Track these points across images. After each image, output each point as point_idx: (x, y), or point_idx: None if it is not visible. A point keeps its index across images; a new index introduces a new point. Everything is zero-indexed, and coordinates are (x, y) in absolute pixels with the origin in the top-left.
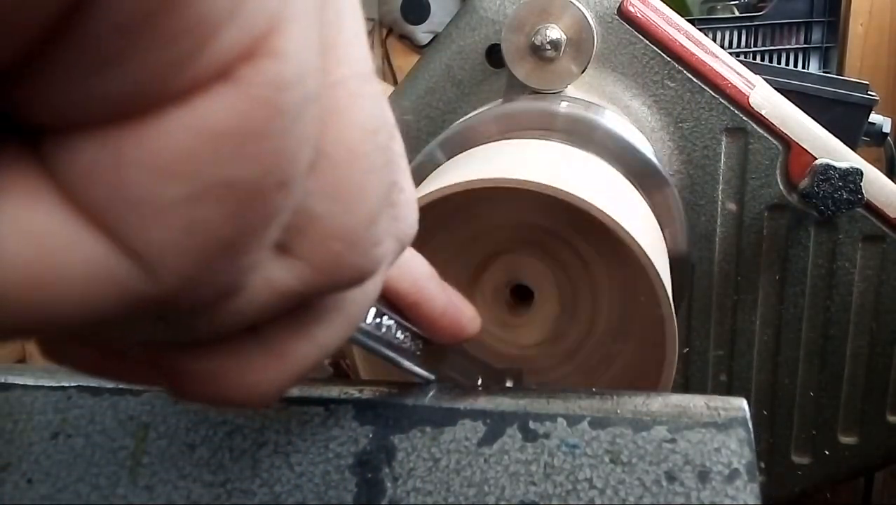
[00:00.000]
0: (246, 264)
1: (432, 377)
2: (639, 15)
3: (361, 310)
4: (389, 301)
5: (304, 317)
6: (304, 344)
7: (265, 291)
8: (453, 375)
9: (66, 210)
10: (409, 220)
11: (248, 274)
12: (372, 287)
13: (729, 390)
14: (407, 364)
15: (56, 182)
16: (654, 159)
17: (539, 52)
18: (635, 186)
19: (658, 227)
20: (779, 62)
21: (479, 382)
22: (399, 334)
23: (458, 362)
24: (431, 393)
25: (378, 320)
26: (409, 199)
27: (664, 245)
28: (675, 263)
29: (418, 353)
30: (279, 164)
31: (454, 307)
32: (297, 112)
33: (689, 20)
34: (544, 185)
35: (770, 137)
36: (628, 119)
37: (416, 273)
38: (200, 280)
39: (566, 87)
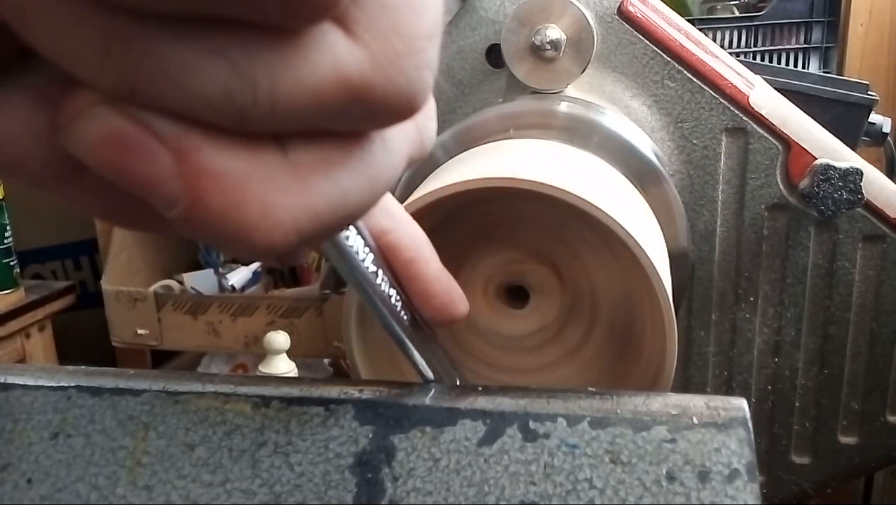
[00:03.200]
0: None
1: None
2: (639, 15)
3: (383, 177)
4: (387, 255)
5: (332, 152)
6: (327, 182)
7: (328, 64)
8: (436, 368)
9: None
10: (432, 124)
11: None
12: (395, 159)
13: (729, 390)
14: (396, 327)
15: None
16: (654, 159)
17: (539, 52)
18: (635, 186)
19: (658, 226)
20: (779, 62)
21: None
22: (392, 292)
23: (441, 357)
24: (426, 393)
25: (375, 269)
26: (432, 107)
27: (664, 245)
28: (675, 262)
29: (407, 323)
30: None
31: (447, 278)
32: None
33: (689, 20)
34: (545, 184)
35: (770, 137)
36: (628, 119)
37: (415, 233)
38: None
39: (566, 87)
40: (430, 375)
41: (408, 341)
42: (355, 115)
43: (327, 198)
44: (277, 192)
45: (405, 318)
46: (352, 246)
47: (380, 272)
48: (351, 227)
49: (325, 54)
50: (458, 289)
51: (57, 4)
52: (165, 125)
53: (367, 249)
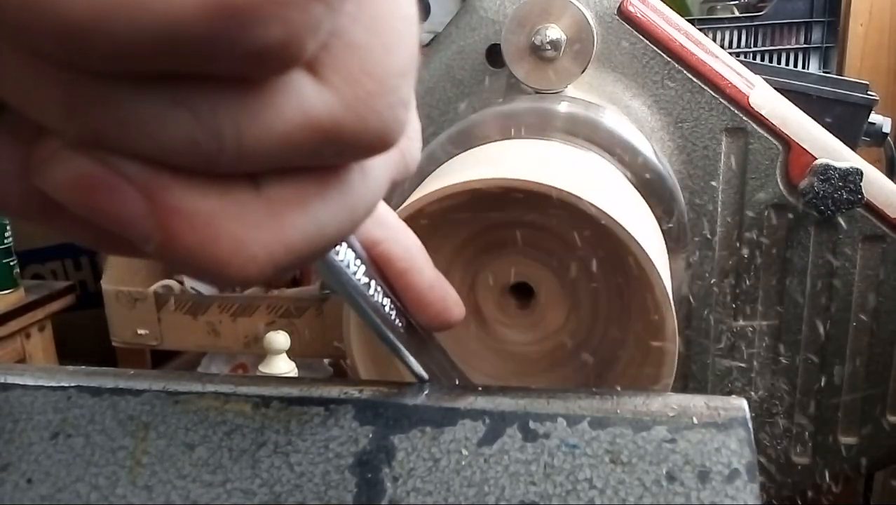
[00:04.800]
0: (292, 34)
1: (416, 364)
2: (639, 15)
3: (362, 205)
4: (380, 266)
5: (307, 185)
6: (302, 216)
7: (295, 109)
8: (433, 370)
9: None
10: (416, 144)
11: (291, 51)
12: (375, 186)
13: (729, 390)
14: (391, 336)
15: None
16: (654, 159)
17: (539, 52)
18: (635, 186)
19: (658, 226)
20: (779, 62)
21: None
22: (385, 302)
23: (438, 359)
24: (426, 393)
25: (367, 280)
26: (416, 127)
27: (664, 245)
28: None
29: (402, 330)
30: None
31: (442, 284)
32: None
33: (689, 20)
34: (544, 184)
35: (770, 137)
36: (628, 119)
37: (408, 242)
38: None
39: (566, 87)
40: (426, 379)
41: (403, 349)
42: (328, 154)
43: (303, 231)
44: (250, 228)
45: (400, 325)
46: (342, 260)
47: (372, 283)
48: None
49: (293, 100)
50: (454, 294)
51: (19, 62)
52: (133, 167)
53: (358, 262)
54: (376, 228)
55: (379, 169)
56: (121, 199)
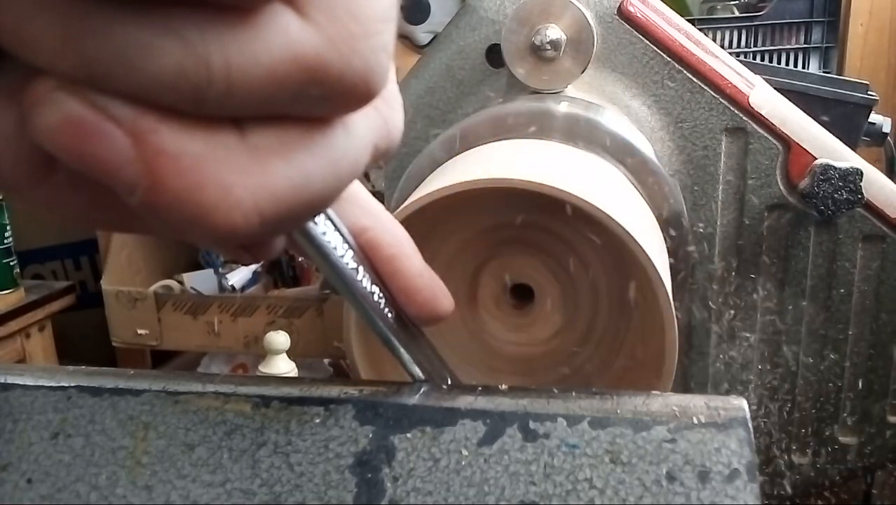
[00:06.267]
0: None
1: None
2: (639, 15)
3: (345, 162)
4: (368, 253)
5: (291, 134)
6: (287, 163)
7: (281, 44)
8: (425, 366)
9: None
10: (398, 115)
11: None
12: (359, 144)
13: (729, 390)
14: (381, 325)
15: None
16: (655, 159)
17: (539, 52)
18: (635, 186)
19: (658, 226)
20: (779, 62)
21: (449, 381)
22: (374, 289)
23: (429, 356)
24: (426, 393)
25: (355, 265)
26: (398, 99)
27: (664, 245)
28: (675, 262)
29: (392, 321)
30: None
31: (431, 274)
32: None
33: (689, 20)
34: (544, 184)
35: (770, 137)
36: (628, 119)
37: (396, 230)
38: None
39: (566, 87)
40: (417, 372)
41: (393, 338)
42: (312, 98)
43: (288, 180)
44: (236, 173)
45: (389, 315)
46: (329, 242)
47: (360, 269)
48: (328, 222)
49: (279, 34)
50: (443, 286)
51: None
52: (122, 108)
53: (345, 246)
54: (364, 216)
55: (361, 128)
56: (108, 141)
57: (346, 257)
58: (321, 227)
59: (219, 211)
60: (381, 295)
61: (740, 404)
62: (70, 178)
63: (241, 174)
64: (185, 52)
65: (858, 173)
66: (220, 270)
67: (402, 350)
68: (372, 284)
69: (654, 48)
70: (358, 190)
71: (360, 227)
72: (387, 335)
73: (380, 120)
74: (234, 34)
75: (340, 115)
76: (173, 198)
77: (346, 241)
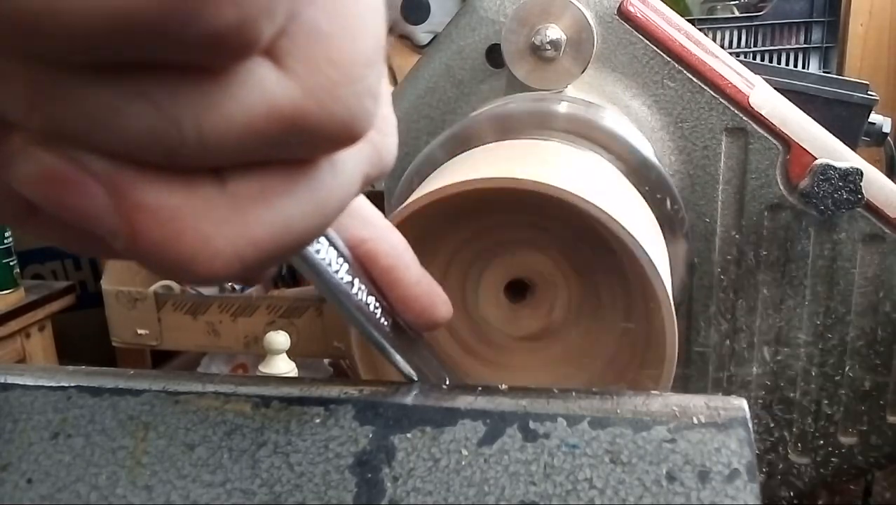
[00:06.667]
0: (246, 20)
1: (404, 363)
2: (639, 15)
3: (332, 201)
4: (365, 264)
5: (273, 180)
6: (268, 211)
7: (257, 99)
8: (422, 370)
9: None
10: (391, 140)
11: (246, 35)
12: (346, 181)
13: (729, 390)
14: (376, 335)
15: None
16: (654, 159)
17: (539, 52)
18: (635, 186)
19: (658, 226)
20: (779, 62)
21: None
22: (370, 301)
23: (427, 359)
24: (425, 393)
25: (350, 278)
26: (391, 122)
27: (664, 245)
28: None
29: (388, 329)
30: None
31: (429, 282)
32: None
33: (689, 20)
34: (544, 184)
35: (770, 137)
36: (628, 119)
37: (394, 240)
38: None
39: (566, 86)
40: (415, 379)
41: (389, 347)
42: (293, 145)
43: (269, 227)
44: (215, 223)
45: (386, 324)
46: (323, 259)
47: (356, 281)
48: (322, 238)
49: (254, 89)
50: (441, 293)
51: None
52: (97, 162)
53: (340, 260)
54: (362, 227)
55: (349, 163)
56: (85, 194)
57: (342, 272)
58: (314, 245)
59: (197, 261)
60: (377, 305)
61: (740, 404)
62: (54, 216)
63: (220, 224)
64: (155, 116)
65: (858, 173)
66: None
67: (398, 357)
68: (368, 294)
69: (654, 48)
70: (356, 200)
71: (358, 239)
72: (383, 345)
73: (370, 149)
74: (206, 94)
75: (325, 155)
76: (152, 247)
77: (340, 254)
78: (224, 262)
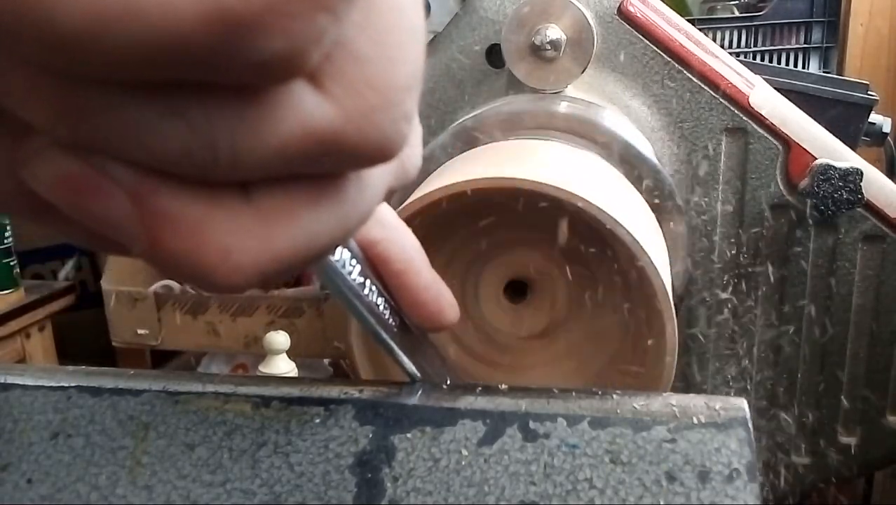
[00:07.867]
0: (301, 38)
1: (409, 363)
2: (639, 15)
3: (355, 215)
4: (377, 265)
5: (300, 195)
6: (292, 225)
7: (294, 120)
8: (426, 369)
9: None
10: (416, 151)
11: (299, 57)
12: (371, 195)
13: (729, 390)
14: (384, 336)
15: None
16: (654, 159)
17: (539, 52)
18: (635, 186)
19: (658, 226)
20: (779, 62)
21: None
22: (380, 301)
23: (431, 357)
24: (425, 393)
25: (362, 280)
26: (417, 133)
27: (664, 245)
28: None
29: (395, 330)
30: None
31: (438, 286)
32: None
33: (689, 20)
34: (544, 184)
35: (770, 137)
36: (628, 119)
37: (406, 242)
38: (265, 23)
39: (566, 87)
40: (418, 378)
41: (396, 348)
42: (325, 164)
43: (292, 241)
44: (238, 236)
45: (393, 323)
46: (337, 260)
47: (367, 282)
48: None
49: (292, 111)
50: (450, 296)
51: (11, 67)
52: (121, 169)
53: (353, 262)
54: (375, 228)
55: (376, 178)
56: (106, 200)
57: (354, 273)
58: None
59: (217, 273)
60: (386, 306)
61: (740, 404)
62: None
63: (242, 237)
64: (189, 135)
65: (858, 173)
66: None
67: (404, 358)
68: (378, 295)
69: (654, 48)
70: None
71: (371, 240)
72: (390, 345)
73: (397, 163)
74: (243, 115)
75: (354, 171)
76: (172, 257)
77: (354, 256)
78: (244, 275)
